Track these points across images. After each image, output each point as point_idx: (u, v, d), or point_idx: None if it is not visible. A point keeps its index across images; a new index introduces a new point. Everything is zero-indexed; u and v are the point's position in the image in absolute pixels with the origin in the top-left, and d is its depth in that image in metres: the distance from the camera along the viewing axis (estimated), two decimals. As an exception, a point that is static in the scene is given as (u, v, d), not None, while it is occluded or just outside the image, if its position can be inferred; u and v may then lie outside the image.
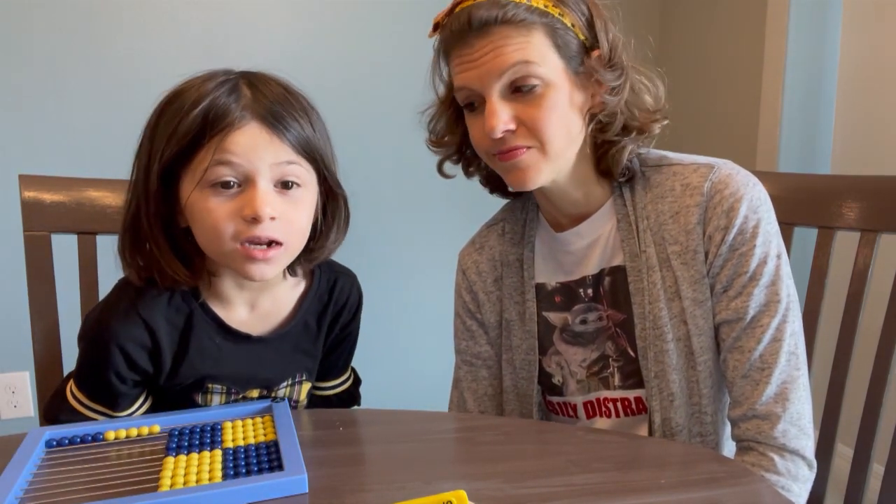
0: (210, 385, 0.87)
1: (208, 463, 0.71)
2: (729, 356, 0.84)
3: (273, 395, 0.91)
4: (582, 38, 0.82)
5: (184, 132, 0.75)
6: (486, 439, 0.80)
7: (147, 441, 0.79)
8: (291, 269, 0.89)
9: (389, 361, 2.07)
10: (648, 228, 0.86)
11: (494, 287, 0.98)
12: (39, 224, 1.12)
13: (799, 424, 0.81)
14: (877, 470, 0.95)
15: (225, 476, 0.69)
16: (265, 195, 0.76)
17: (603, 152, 0.86)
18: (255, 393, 0.90)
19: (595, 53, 0.82)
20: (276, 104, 0.79)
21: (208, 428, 0.80)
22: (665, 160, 0.89)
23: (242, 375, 0.88)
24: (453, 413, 1.01)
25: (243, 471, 0.70)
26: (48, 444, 0.78)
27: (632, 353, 0.89)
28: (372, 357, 2.01)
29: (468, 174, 0.96)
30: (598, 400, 0.92)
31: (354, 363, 1.05)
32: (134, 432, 0.80)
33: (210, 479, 0.68)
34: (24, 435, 0.78)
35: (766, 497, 0.66)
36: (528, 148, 0.81)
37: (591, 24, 0.83)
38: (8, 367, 1.76)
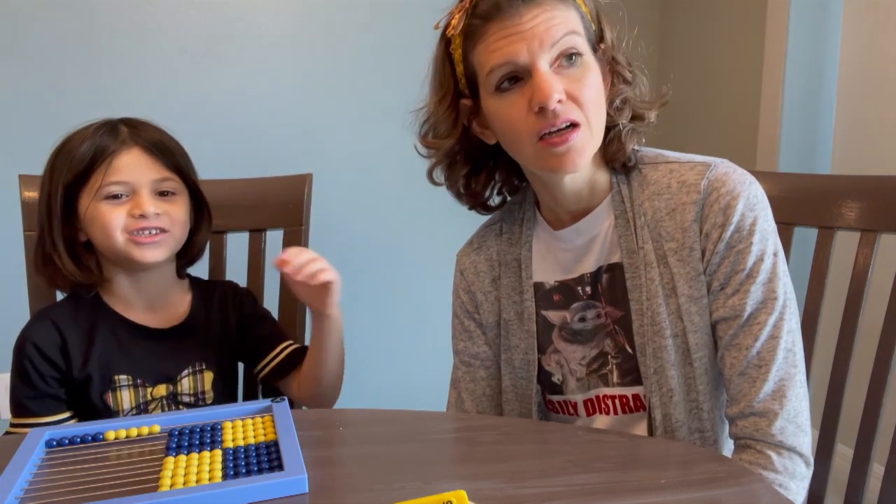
0: (117, 377, 0.99)
1: (208, 463, 0.72)
2: (726, 354, 0.84)
3: (178, 387, 1.02)
4: (594, 27, 0.85)
5: (79, 160, 0.95)
6: (486, 439, 0.80)
7: (147, 441, 0.79)
8: (179, 270, 1.08)
9: (389, 361, 2.07)
10: (646, 225, 0.87)
11: (492, 287, 0.98)
12: (39, 224, 1.12)
13: (796, 422, 0.81)
14: (877, 470, 0.95)
15: (225, 476, 0.69)
16: (148, 198, 0.96)
17: (612, 138, 0.88)
18: (162, 389, 1.02)
19: (602, 46, 0.85)
20: (152, 136, 1.00)
21: (208, 428, 0.80)
22: (661, 158, 0.90)
23: (145, 365, 1.01)
24: (453, 413, 1.01)
25: (243, 471, 0.70)
26: (48, 444, 0.78)
27: (630, 350, 0.89)
28: (372, 357, 2.02)
29: (450, 182, 0.94)
30: (597, 397, 0.92)
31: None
32: (134, 432, 0.80)
33: (210, 479, 0.68)
34: (24, 435, 0.78)
35: (765, 497, 0.66)
36: (578, 126, 0.80)
37: (598, 19, 0.86)
38: (8, 367, 1.76)
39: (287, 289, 1.23)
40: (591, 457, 0.74)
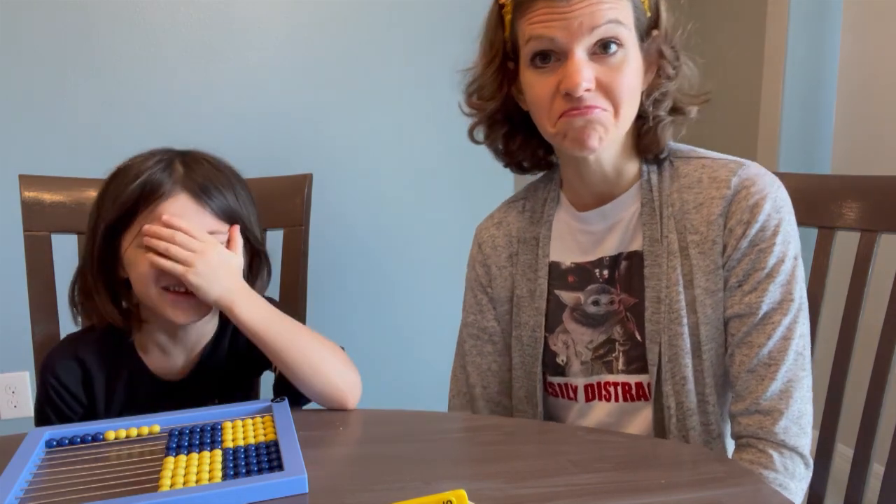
0: None
1: (208, 463, 0.72)
2: (737, 350, 0.85)
3: None
4: (649, 14, 0.85)
5: (123, 201, 0.89)
6: (486, 439, 0.80)
7: (147, 441, 0.79)
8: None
9: (389, 361, 2.07)
10: (672, 216, 0.88)
11: (508, 263, 0.99)
12: (39, 224, 1.12)
13: (800, 423, 0.82)
14: (877, 470, 0.95)
15: (225, 476, 0.69)
16: None
17: (647, 129, 0.88)
18: None
19: (655, 33, 0.85)
20: (205, 179, 0.91)
21: (208, 428, 0.80)
22: (694, 153, 0.91)
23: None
24: (453, 413, 1.01)
25: (243, 471, 0.70)
26: (48, 444, 0.78)
27: (639, 338, 0.89)
28: (372, 357, 2.02)
29: (489, 140, 0.96)
30: (598, 384, 0.93)
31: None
32: (134, 432, 0.80)
33: (210, 479, 0.68)
34: (24, 435, 0.78)
35: (765, 497, 0.66)
36: (603, 109, 0.81)
37: (657, 5, 0.86)
38: (8, 367, 1.76)
39: (287, 288, 1.23)
40: (591, 457, 0.74)
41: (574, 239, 0.94)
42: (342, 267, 1.97)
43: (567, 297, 0.94)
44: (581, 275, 0.94)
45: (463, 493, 0.57)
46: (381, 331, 2.05)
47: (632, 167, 0.91)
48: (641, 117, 0.88)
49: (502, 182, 1.95)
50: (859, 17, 1.87)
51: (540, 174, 1.02)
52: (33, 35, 1.71)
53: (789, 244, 0.84)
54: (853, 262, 1.00)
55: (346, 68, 1.91)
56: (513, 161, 0.98)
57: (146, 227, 0.86)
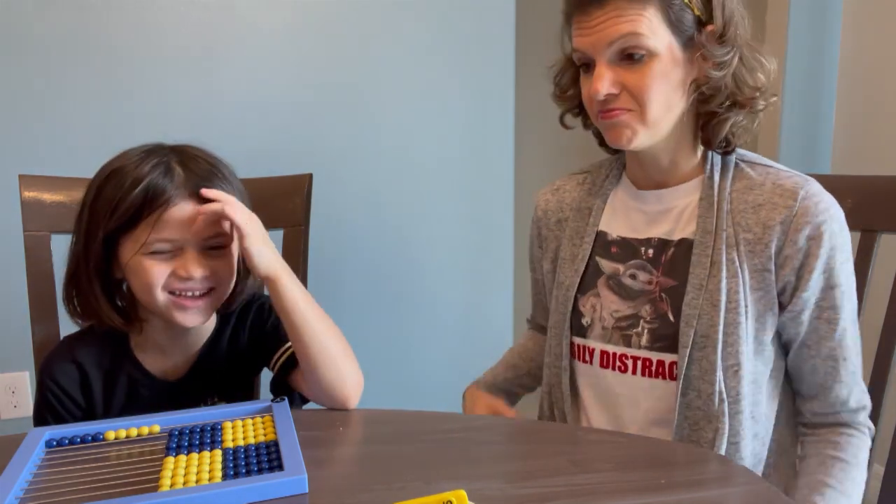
0: None
1: (208, 463, 0.72)
2: (820, 363, 0.90)
3: None
4: (697, 12, 0.86)
5: (125, 209, 0.86)
6: (486, 439, 0.80)
7: (147, 441, 0.79)
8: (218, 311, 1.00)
9: (389, 361, 2.07)
10: (729, 212, 0.90)
11: (556, 228, 1.06)
12: (39, 224, 1.12)
13: (867, 409, 0.93)
14: (877, 470, 0.95)
15: (225, 476, 0.69)
16: (195, 259, 0.88)
17: (705, 122, 0.91)
18: None
19: (709, 28, 0.87)
20: (204, 179, 0.90)
21: (208, 428, 0.80)
22: (761, 160, 0.94)
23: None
24: (453, 413, 1.01)
25: (243, 471, 0.70)
26: (48, 444, 0.78)
27: (671, 318, 0.91)
28: (372, 357, 2.02)
29: (586, 126, 1.02)
30: (615, 353, 0.95)
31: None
32: (134, 432, 0.80)
33: (210, 479, 0.68)
34: (24, 435, 0.78)
35: (765, 497, 0.67)
36: (628, 111, 0.87)
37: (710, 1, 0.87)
38: (8, 367, 1.76)
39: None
40: (591, 457, 0.74)
41: (626, 215, 0.99)
42: (342, 267, 1.97)
43: (606, 265, 0.98)
44: (626, 248, 0.97)
45: (463, 493, 0.57)
46: (381, 331, 2.05)
47: (691, 160, 0.94)
48: (699, 112, 0.91)
49: (502, 182, 1.95)
50: (859, 16, 1.87)
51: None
52: (33, 35, 1.71)
53: (850, 261, 0.89)
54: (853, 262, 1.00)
55: (347, 68, 1.91)
56: (604, 142, 1.02)
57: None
